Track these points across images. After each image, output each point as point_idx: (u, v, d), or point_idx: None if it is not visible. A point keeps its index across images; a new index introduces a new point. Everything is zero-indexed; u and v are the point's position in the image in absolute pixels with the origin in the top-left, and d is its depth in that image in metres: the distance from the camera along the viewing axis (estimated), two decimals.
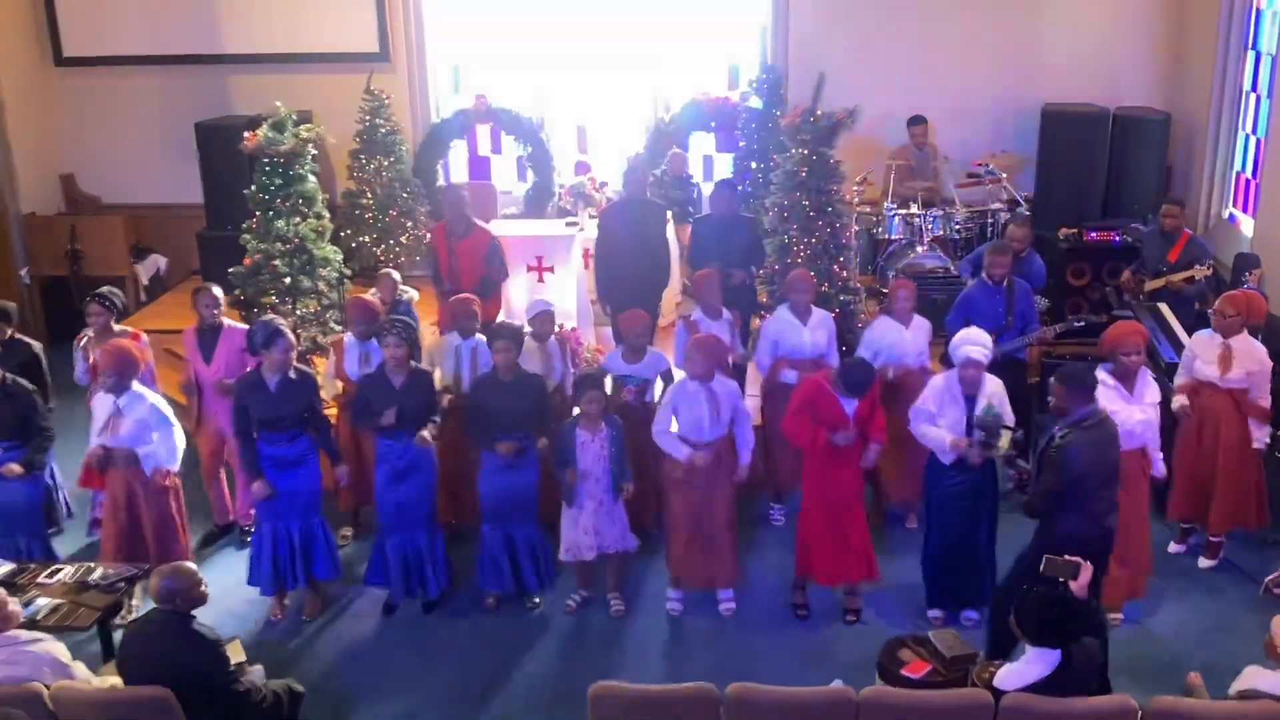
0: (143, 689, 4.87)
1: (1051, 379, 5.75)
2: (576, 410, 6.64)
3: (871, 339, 7.42)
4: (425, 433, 6.59)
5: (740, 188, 10.95)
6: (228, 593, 6.93)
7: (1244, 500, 6.98)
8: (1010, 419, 6.34)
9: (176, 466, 6.66)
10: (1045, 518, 5.65)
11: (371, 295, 8.01)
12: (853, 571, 6.60)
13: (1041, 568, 5.06)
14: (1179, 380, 7.07)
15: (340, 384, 7.41)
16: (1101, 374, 6.32)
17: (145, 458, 6.53)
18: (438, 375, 7.17)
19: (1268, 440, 6.91)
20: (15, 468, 6.58)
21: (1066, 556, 5.05)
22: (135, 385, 6.56)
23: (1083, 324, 7.99)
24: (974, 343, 6.31)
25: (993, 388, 6.33)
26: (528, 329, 7.31)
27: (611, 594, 6.90)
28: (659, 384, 7.37)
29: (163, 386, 7.58)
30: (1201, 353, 6.94)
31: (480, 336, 7.24)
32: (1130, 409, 6.22)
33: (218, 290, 7.47)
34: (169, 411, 6.67)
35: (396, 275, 8.28)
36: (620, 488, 6.64)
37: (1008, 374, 7.14)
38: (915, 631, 5.80)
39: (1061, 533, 5.53)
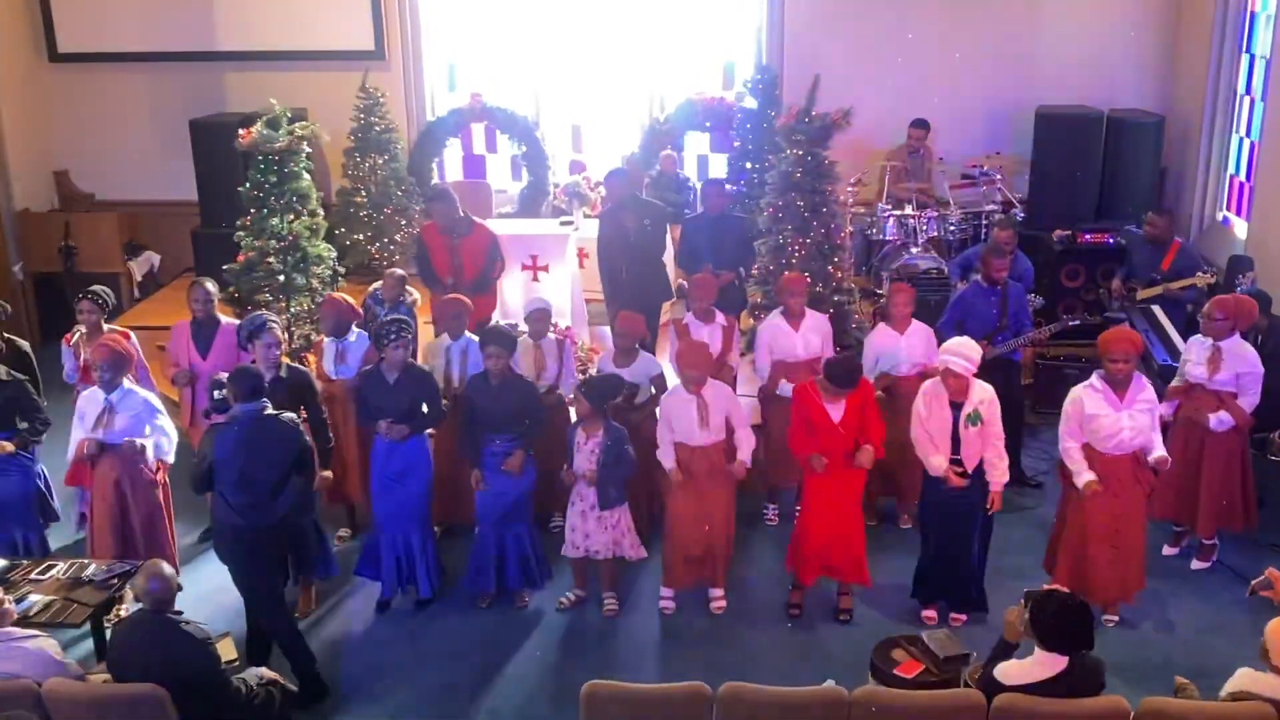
0: (136, 686, 4.86)
1: (228, 376, 5.96)
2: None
3: (870, 346, 7.42)
4: (401, 426, 6.57)
5: (735, 188, 10.98)
6: (220, 590, 6.89)
7: (1230, 503, 6.98)
8: (998, 425, 6.33)
9: (171, 459, 6.69)
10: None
11: (373, 289, 7.98)
12: (844, 573, 6.60)
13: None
14: (1174, 384, 7.08)
15: (320, 384, 7.37)
16: (1093, 379, 6.34)
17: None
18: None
19: (1226, 425, 6.78)
20: (7, 445, 6.70)
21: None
22: (126, 381, 6.59)
23: (1077, 323, 7.98)
24: (956, 354, 6.25)
25: (982, 395, 6.32)
26: (523, 327, 7.28)
27: (605, 593, 6.89)
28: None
29: (155, 382, 7.57)
30: (1193, 355, 6.95)
31: (471, 336, 7.23)
32: (1116, 416, 6.23)
33: (211, 285, 7.47)
34: (160, 406, 6.72)
35: (403, 274, 8.19)
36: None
37: (1001, 375, 7.15)
38: (908, 631, 5.81)
39: (215, 517, 6.04)
